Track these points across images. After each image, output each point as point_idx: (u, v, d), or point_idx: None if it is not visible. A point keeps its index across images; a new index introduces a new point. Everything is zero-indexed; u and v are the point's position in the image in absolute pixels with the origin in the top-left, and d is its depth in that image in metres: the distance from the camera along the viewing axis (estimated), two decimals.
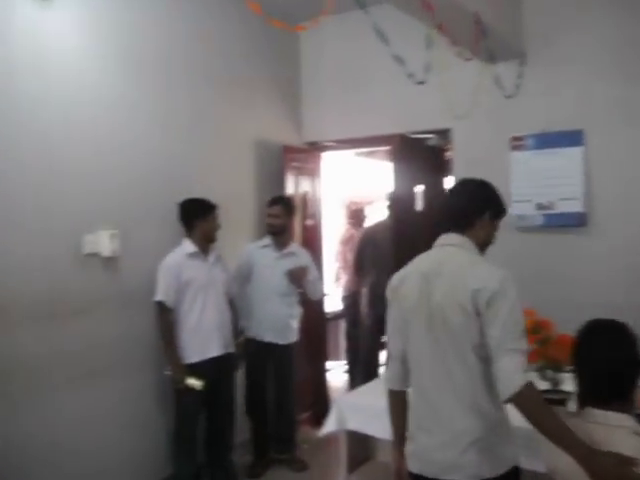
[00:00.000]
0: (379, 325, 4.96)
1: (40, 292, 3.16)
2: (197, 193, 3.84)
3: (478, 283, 1.90)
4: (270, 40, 4.83)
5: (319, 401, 5.19)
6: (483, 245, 2.12)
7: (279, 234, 4.25)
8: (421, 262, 2.12)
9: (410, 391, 2.16)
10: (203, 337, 3.68)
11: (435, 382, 2.00)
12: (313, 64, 5.22)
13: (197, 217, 3.77)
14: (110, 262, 3.52)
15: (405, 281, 2.10)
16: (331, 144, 5.13)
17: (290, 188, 4.80)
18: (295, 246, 4.42)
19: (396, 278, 2.16)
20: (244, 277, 4.17)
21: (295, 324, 4.32)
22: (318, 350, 5.17)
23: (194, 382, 3.54)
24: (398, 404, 2.21)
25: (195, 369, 3.63)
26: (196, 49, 4.17)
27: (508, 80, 4.05)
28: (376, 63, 4.84)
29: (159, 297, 3.60)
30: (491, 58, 3.75)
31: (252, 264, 4.21)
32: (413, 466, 2.07)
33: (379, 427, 2.60)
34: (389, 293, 2.17)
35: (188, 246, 3.74)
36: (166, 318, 3.62)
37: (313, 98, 5.22)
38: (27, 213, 3.13)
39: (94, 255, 3.43)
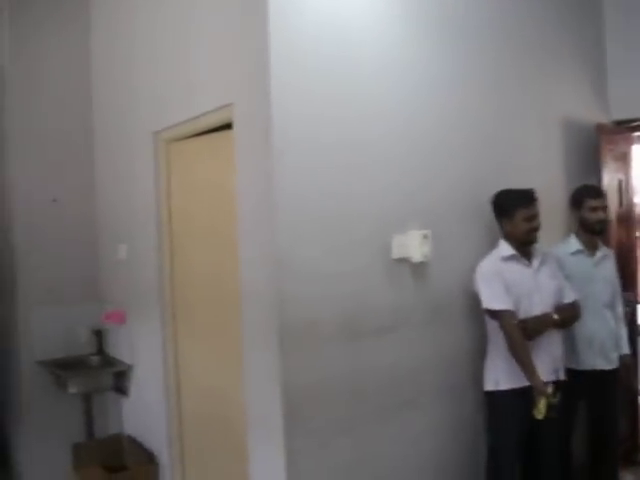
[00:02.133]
0: None
1: (345, 304, 2.71)
2: (505, 184, 3.18)
3: None
4: None
5: (633, 433, 4.29)
6: None
7: (602, 233, 3.51)
8: None
9: None
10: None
11: None
12: (621, 24, 4.29)
13: (503, 215, 3.13)
14: (419, 268, 2.98)
15: None
16: None
17: (606, 177, 3.93)
18: (604, 247, 3.58)
19: None
20: None
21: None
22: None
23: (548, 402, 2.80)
24: None
25: (507, 397, 2.98)
26: (499, 11, 3.49)
27: None
28: None
29: (497, 306, 2.94)
30: None
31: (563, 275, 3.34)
32: None
33: None
34: None
35: (503, 248, 3.10)
36: (516, 327, 2.90)
37: (622, 65, 4.29)
38: (332, 216, 2.66)
39: (403, 260, 2.91)
